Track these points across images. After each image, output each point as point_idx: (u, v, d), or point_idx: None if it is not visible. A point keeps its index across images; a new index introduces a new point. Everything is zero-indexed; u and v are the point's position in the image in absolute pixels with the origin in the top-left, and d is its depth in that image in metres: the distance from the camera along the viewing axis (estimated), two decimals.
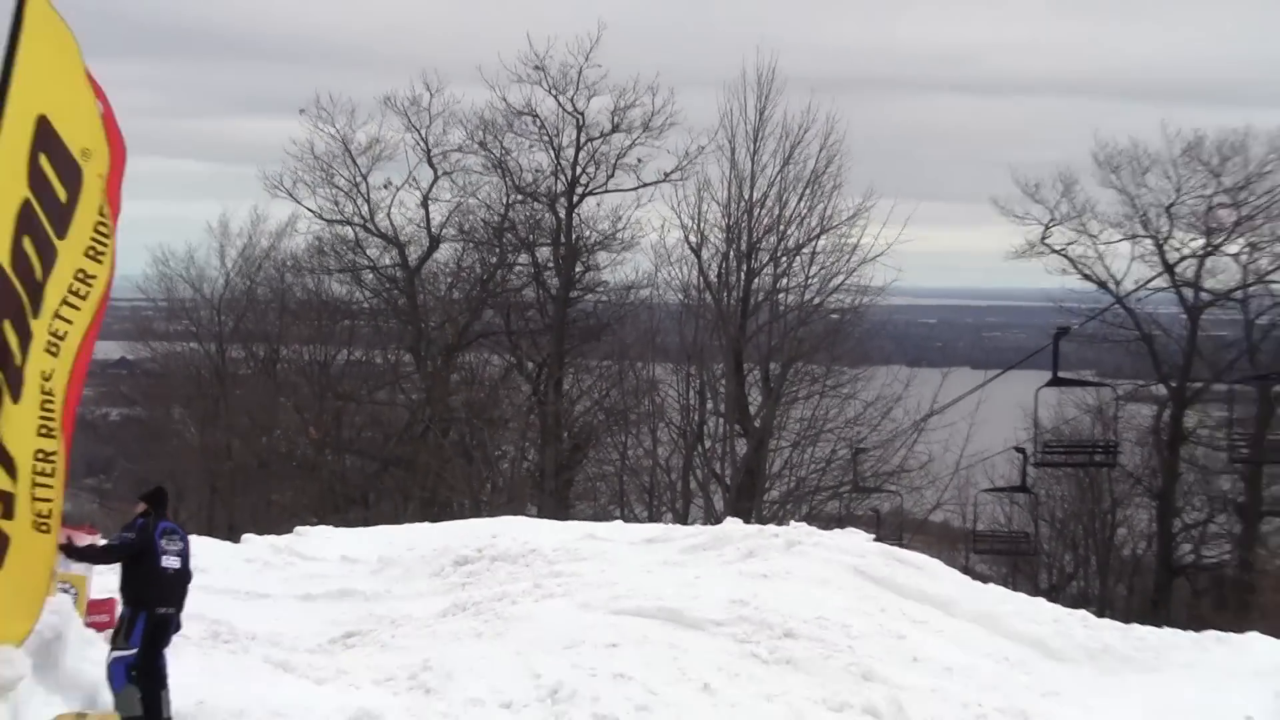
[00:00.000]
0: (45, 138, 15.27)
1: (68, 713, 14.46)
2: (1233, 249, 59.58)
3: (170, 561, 16.34)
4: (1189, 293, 60.05)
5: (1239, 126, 70.07)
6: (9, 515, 15.06)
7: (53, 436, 15.56)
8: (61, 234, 15.41)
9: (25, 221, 15.08)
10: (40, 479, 15.38)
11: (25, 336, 15.14)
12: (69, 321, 15.80)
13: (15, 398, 15.07)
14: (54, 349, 15.62)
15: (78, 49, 15.82)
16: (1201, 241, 59.57)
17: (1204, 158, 58.80)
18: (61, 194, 15.47)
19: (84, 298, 15.85)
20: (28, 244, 15.02)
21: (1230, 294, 60.00)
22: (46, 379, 15.52)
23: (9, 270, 14.95)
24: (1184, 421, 59.35)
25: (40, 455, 15.36)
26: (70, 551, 16.20)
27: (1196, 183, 59.15)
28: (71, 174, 15.57)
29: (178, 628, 16.48)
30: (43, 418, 15.46)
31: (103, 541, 16.96)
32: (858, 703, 18.73)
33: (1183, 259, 59.80)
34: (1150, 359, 59.77)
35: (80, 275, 15.78)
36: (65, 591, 17.15)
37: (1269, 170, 57.67)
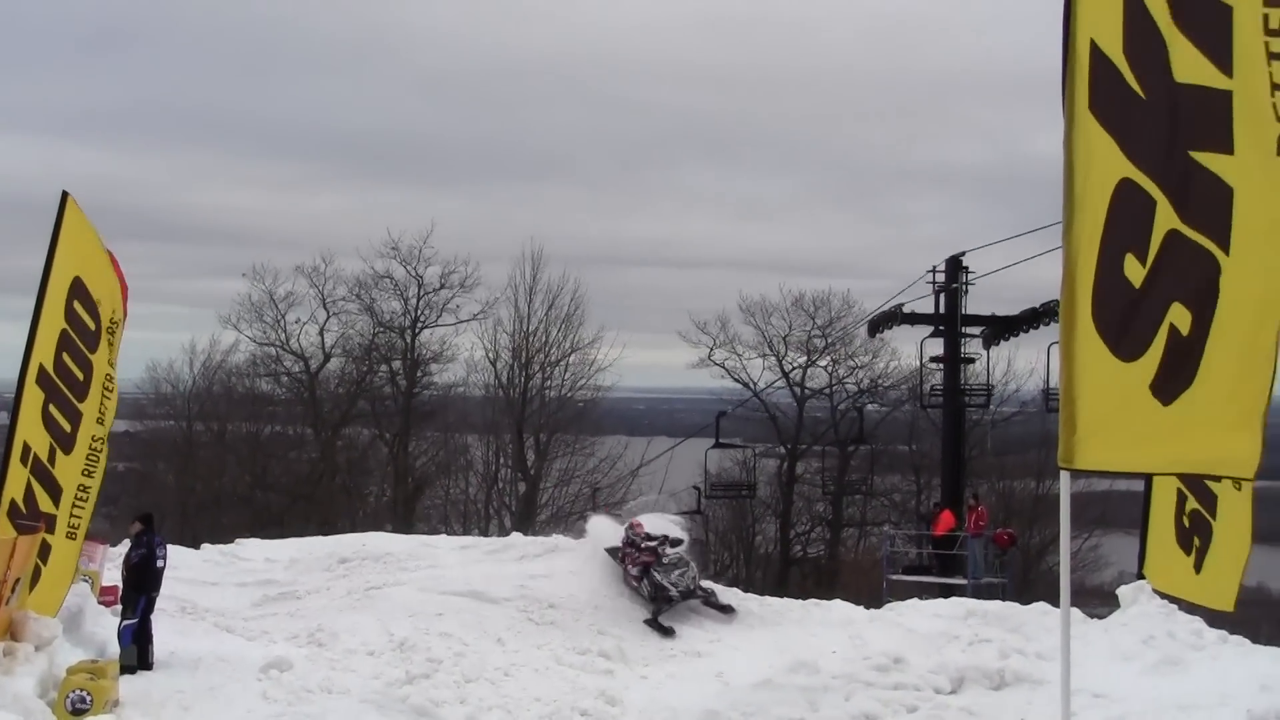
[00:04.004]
0: (77, 290, 15.19)
1: (85, 660, 14.09)
2: (823, 363, 60.75)
3: (160, 563, 16.33)
4: (798, 389, 61.01)
5: (825, 288, 72.50)
6: (50, 530, 14.85)
7: (91, 476, 15.51)
8: (93, 350, 15.31)
9: (64, 343, 14.91)
10: (77, 504, 15.34)
11: (74, 415, 14.98)
12: (108, 400, 15.72)
13: (67, 452, 15.04)
14: (102, 419, 15.54)
15: (97, 235, 15.80)
16: (804, 358, 60.72)
17: (804, 307, 59.78)
18: (90, 324, 15.38)
19: (111, 389, 15.79)
20: (67, 358, 14.88)
21: (821, 390, 61.10)
22: (96, 439, 15.46)
23: (53, 374, 14.78)
24: (796, 469, 60.28)
25: (80, 489, 15.36)
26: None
27: (800, 323, 60.06)
28: (94, 311, 15.45)
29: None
30: (86, 465, 15.44)
31: (124, 559, 16.71)
32: (595, 649, 18.81)
33: (793, 369, 60.63)
34: (775, 430, 60.58)
35: (107, 375, 15.70)
36: (84, 581, 16.80)
37: (841, 317, 59.36)
